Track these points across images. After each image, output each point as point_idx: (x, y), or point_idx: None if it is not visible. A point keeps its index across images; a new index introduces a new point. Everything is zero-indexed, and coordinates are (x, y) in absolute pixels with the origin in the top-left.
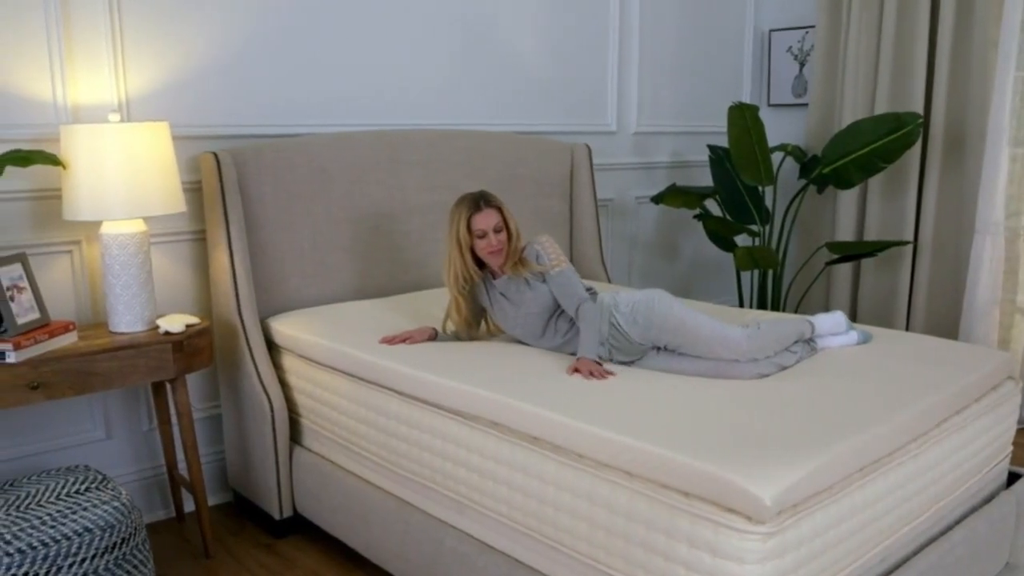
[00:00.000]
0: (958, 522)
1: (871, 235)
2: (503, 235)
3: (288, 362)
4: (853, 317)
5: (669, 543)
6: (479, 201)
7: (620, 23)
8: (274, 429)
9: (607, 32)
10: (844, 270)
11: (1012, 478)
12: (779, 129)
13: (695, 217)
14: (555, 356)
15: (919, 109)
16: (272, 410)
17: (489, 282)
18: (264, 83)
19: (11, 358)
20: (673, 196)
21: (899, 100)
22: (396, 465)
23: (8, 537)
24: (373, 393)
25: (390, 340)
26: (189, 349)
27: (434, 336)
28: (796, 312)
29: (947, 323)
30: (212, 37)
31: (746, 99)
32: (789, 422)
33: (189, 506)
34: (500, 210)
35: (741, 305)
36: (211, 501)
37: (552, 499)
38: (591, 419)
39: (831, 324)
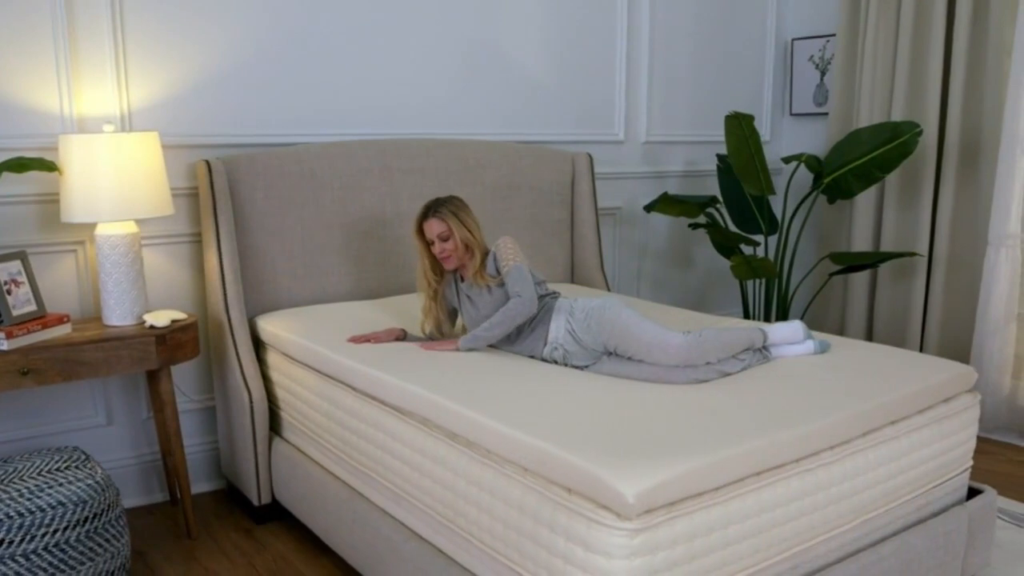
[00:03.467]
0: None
1: (887, 246)
2: (450, 244)
3: (271, 358)
4: (868, 331)
5: (551, 536)
6: (428, 210)
7: (628, 34)
8: (253, 420)
9: (614, 43)
10: (860, 284)
11: (973, 494)
12: (801, 138)
13: (690, 226)
14: (506, 357)
15: (934, 118)
16: (251, 402)
17: (459, 283)
18: (262, 95)
19: (3, 346)
20: (665, 205)
21: (915, 109)
22: (348, 456)
23: None
24: (330, 387)
25: (357, 340)
26: (172, 342)
27: (402, 336)
28: None
29: (963, 337)
30: (211, 52)
31: (767, 108)
32: (691, 425)
33: None
34: (444, 220)
35: (746, 315)
36: (205, 487)
37: (463, 492)
38: (497, 416)
39: (787, 333)
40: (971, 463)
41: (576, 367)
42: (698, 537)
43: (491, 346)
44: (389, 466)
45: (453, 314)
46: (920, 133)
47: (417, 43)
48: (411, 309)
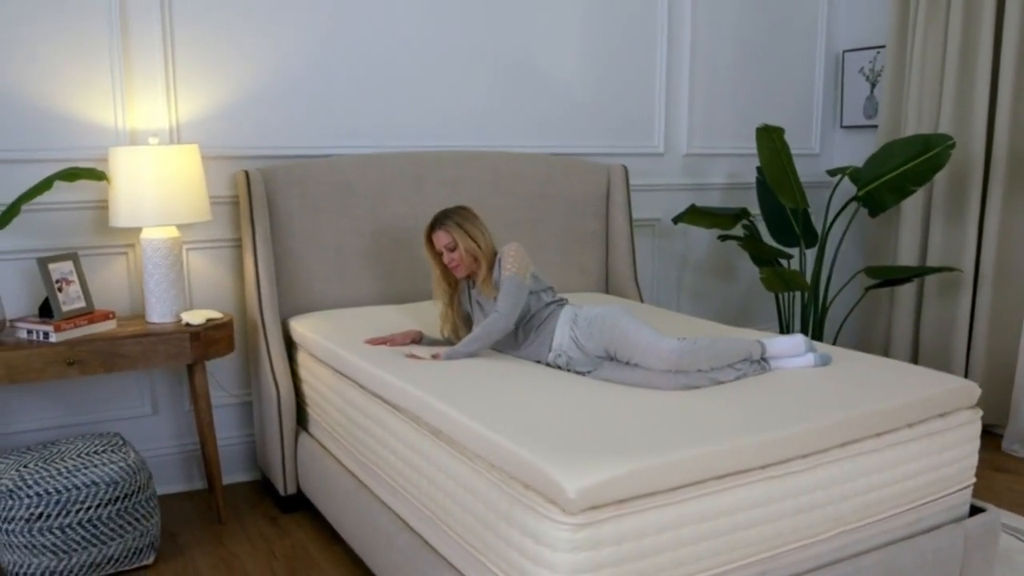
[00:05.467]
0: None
1: (933, 261)
2: (456, 254)
3: (301, 357)
4: (914, 348)
5: (508, 529)
6: (435, 221)
7: (668, 50)
8: (280, 414)
9: (655, 57)
10: (905, 300)
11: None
12: (851, 151)
13: (720, 238)
14: (510, 362)
15: (982, 131)
16: (279, 397)
17: (471, 290)
18: (300, 110)
19: (52, 338)
20: (694, 216)
21: (962, 122)
22: (357, 451)
23: (30, 482)
24: (344, 385)
25: (374, 342)
26: (206, 339)
27: (419, 339)
28: (836, 338)
29: (1009, 355)
30: (254, 69)
31: (817, 120)
32: (658, 428)
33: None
34: (450, 232)
35: (782, 329)
36: (242, 478)
37: (442, 485)
38: (470, 413)
39: (787, 346)
40: (973, 480)
41: (578, 372)
42: (648, 536)
43: (498, 351)
44: (387, 460)
45: (469, 319)
46: (952, 146)
47: (454, 58)
48: (436, 314)
